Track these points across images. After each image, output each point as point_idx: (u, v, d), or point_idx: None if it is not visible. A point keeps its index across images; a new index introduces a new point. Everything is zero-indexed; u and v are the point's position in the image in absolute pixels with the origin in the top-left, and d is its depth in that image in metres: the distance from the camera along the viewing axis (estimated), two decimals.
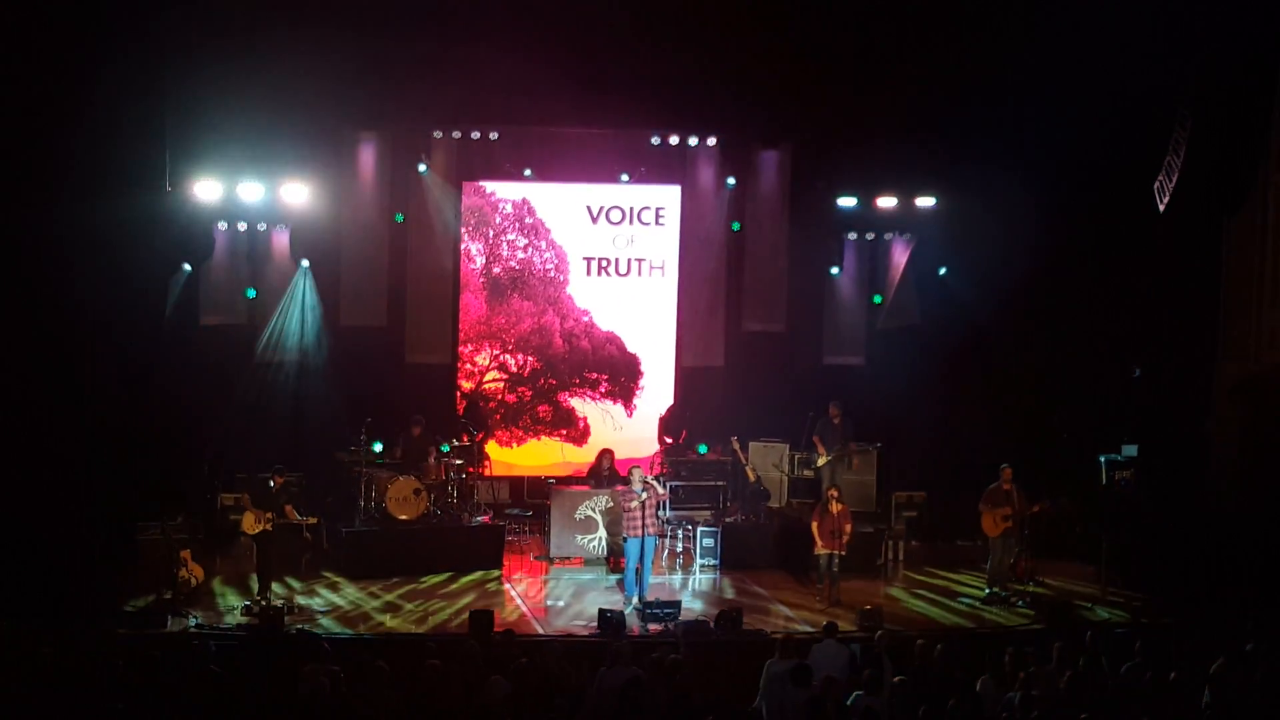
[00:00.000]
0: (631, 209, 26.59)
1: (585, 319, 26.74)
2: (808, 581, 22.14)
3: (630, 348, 26.93)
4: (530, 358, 26.64)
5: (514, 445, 26.67)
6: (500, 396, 26.59)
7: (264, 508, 20.66)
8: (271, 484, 20.89)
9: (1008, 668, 16.30)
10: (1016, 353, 25.74)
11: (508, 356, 26.61)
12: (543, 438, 26.80)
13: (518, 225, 26.40)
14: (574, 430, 26.83)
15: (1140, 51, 22.05)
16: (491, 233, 26.34)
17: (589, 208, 26.50)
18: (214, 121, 22.64)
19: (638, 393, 26.99)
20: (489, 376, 26.56)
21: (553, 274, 26.61)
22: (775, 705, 16.17)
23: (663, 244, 26.76)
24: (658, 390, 26.94)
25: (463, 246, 26.22)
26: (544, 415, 26.79)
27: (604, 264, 26.61)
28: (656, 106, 24.73)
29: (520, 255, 26.51)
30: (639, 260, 26.70)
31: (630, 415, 26.96)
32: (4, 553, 19.74)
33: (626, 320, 26.90)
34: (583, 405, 26.87)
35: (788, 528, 23.57)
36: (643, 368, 26.96)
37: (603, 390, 26.90)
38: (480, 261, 26.37)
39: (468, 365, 26.46)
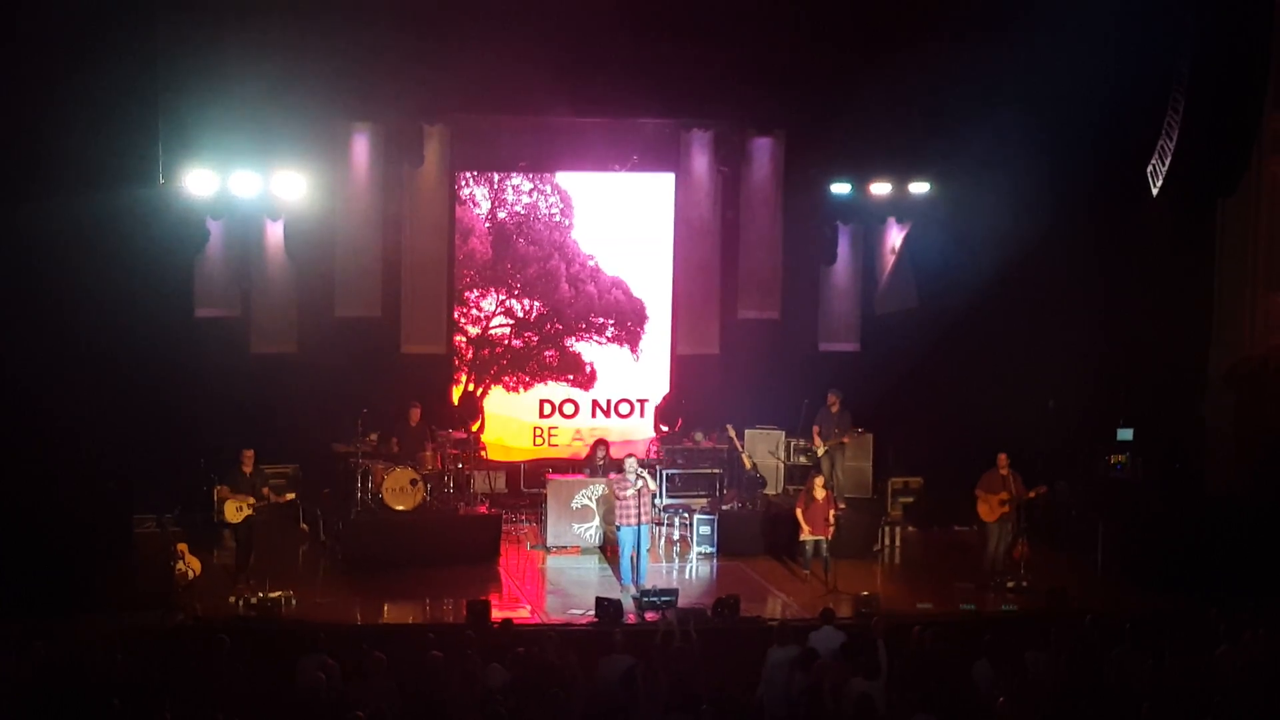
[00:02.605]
0: (616, 221, 26.86)
1: (590, 263, 26.81)
2: (798, 568, 22.15)
3: (635, 293, 27.04)
4: (536, 302, 26.76)
5: (520, 390, 26.78)
6: (506, 342, 26.68)
7: (241, 493, 20.65)
8: (244, 466, 20.87)
9: (990, 652, 16.33)
10: (1012, 337, 25.75)
11: (514, 301, 26.70)
12: (549, 383, 26.89)
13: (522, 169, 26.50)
14: (580, 376, 26.89)
15: (1133, 34, 22.07)
16: (496, 176, 26.44)
17: (571, 220, 26.80)
18: (207, 114, 22.62)
19: (643, 336, 27.11)
20: (495, 322, 26.65)
21: (558, 218, 26.66)
22: (776, 692, 16.21)
23: (649, 258, 27.05)
24: (660, 338, 27.15)
25: (467, 191, 26.39)
26: (550, 361, 26.87)
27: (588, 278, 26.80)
28: (649, 95, 24.72)
29: (525, 200, 26.56)
30: (625, 277, 26.95)
31: (637, 359, 27.08)
32: (0, 547, 19.75)
33: (631, 265, 27.02)
34: (589, 350, 26.96)
35: (784, 515, 23.53)
36: (648, 312, 27.08)
37: (609, 335, 26.93)
38: (485, 206, 26.47)
39: (473, 311, 26.61)
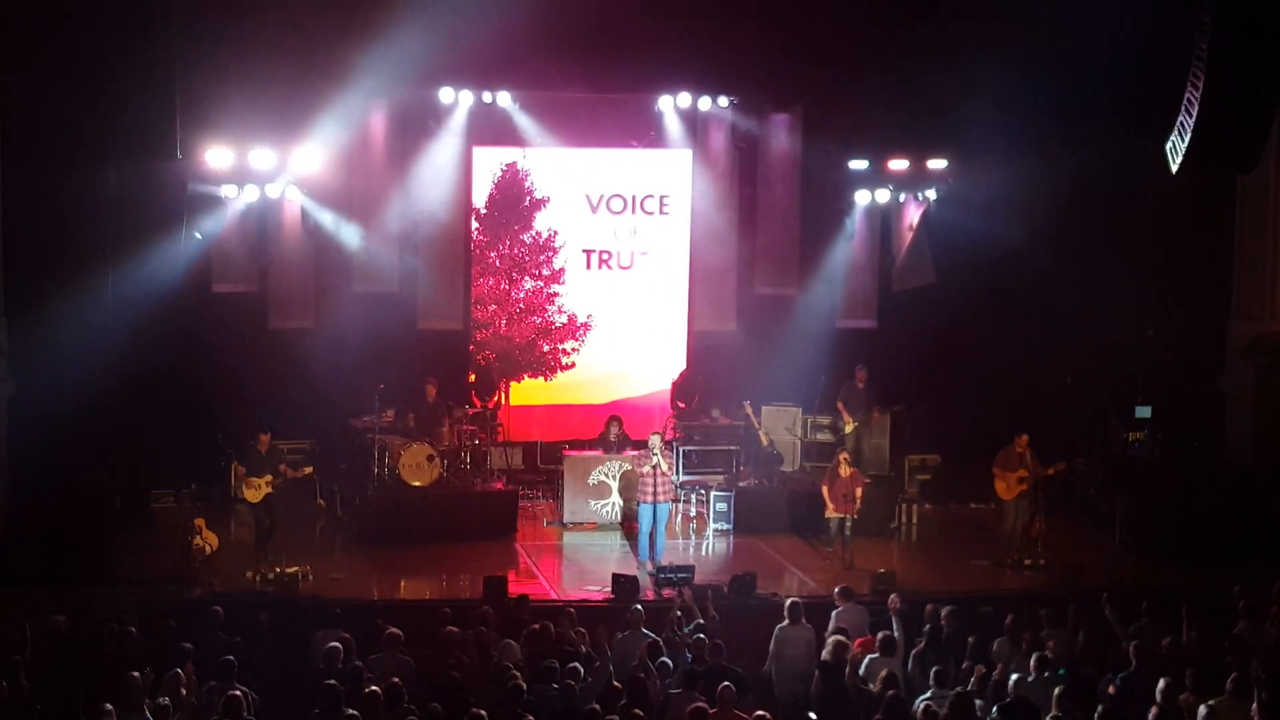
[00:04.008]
0: (634, 197, 26.54)
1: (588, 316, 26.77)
2: (820, 545, 22.14)
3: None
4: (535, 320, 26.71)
5: (545, 377, 26.70)
6: (531, 337, 26.66)
7: (259, 473, 20.68)
8: (260, 448, 20.92)
9: (1008, 629, 16.35)
10: (1029, 314, 25.71)
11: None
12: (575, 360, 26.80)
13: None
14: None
15: (1151, 9, 21.96)
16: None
17: (588, 196, 26.44)
18: (225, 89, 22.59)
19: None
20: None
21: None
22: (786, 669, 16.23)
23: (667, 234, 26.72)
24: (678, 314, 26.94)
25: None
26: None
27: (605, 257, 26.61)
28: (667, 70, 24.76)
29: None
30: (642, 253, 26.68)
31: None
32: (20, 521, 19.82)
33: (648, 241, 26.72)
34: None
35: (801, 492, 23.57)
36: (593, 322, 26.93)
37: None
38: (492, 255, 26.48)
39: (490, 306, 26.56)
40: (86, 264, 21.38)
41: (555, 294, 26.51)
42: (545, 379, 26.53)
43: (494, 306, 26.33)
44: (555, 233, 26.33)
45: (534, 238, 26.33)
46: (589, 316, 26.62)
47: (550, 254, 26.39)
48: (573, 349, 26.57)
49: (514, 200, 26.19)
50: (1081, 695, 14.41)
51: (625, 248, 26.60)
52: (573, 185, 26.38)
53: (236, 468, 21.50)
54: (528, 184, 26.20)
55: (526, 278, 26.37)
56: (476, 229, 26.15)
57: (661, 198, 26.58)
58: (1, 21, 19.11)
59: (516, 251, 26.29)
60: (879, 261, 27.27)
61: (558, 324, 26.55)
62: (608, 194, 26.45)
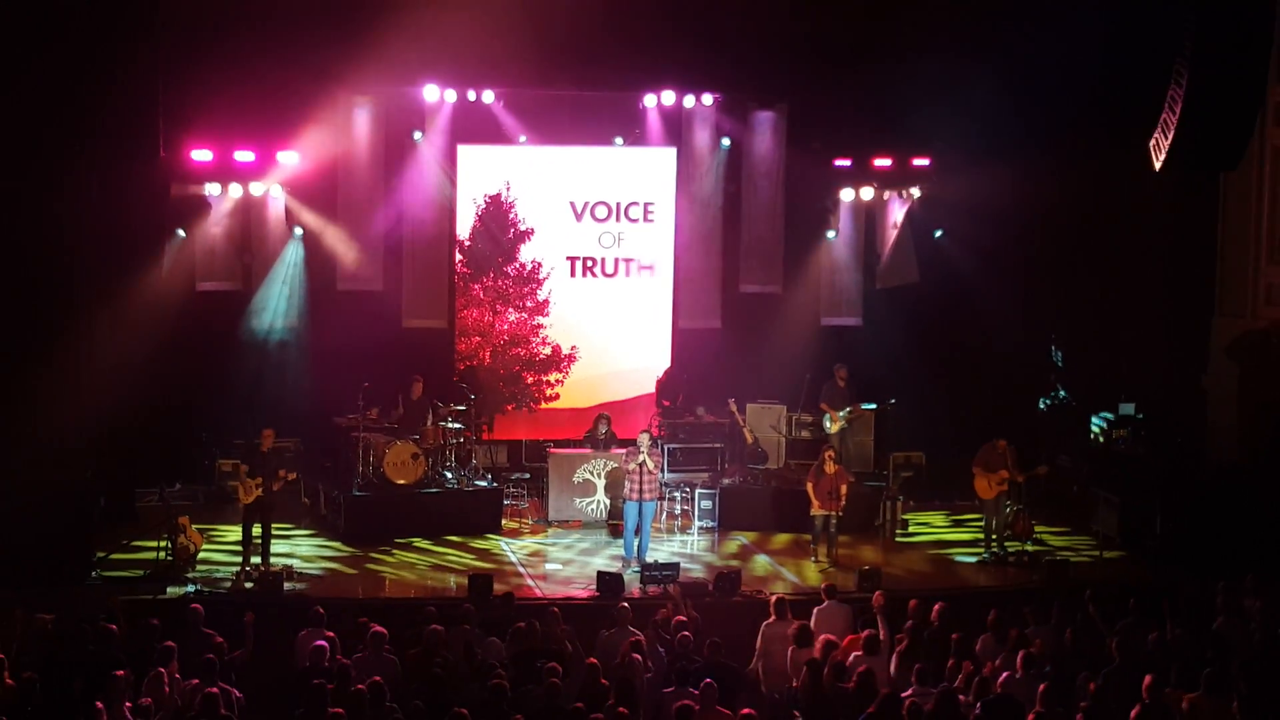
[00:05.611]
0: (619, 204, 26.36)
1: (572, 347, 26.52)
2: (805, 542, 22.15)
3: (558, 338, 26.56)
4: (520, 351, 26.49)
5: (530, 409, 26.45)
6: (517, 370, 26.41)
7: (254, 474, 20.60)
8: (263, 445, 20.85)
9: (992, 626, 16.36)
10: (1014, 311, 25.74)
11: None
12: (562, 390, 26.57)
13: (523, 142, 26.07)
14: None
15: (1135, 6, 22.01)
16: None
17: (573, 204, 26.24)
18: (207, 87, 22.56)
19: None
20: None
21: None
22: (773, 666, 16.22)
23: (651, 238, 26.51)
24: (662, 311, 26.63)
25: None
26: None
27: (589, 264, 26.38)
28: (651, 68, 24.73)
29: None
30: (627, 260, 26.46)
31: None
32: (4, 519, 19.76)
33: (633, 239, 26.42)
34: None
35: (785, 489, 23.60)
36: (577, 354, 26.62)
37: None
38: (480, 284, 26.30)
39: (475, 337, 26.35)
40: (69, 262, 21.31)
41: (540, 325, 26.32)
42: (530, 410, 26.36)
43: (478, 339, 26.19)
44: (539, 264, 26.13)
45: (518, 270, 26.18)
46: (573, 348, 26.41)
47: (535, 285, 26.22)
48: (556, 380, 26.40)
49: (498, 233, 26.02)
50: (1065, 692, 14.43)
51: (610, 255, 26.42)
52: (557, 192, 26.14)
53: (239, 466, 21.38)
54: (512, 215, 26.06)
55: (511, 310, 26.22)
56: (460, 260, 25.96)
57: (646, 204, 26.37)
58: None
59: (501, 284, 26.15)
60: (863, 259, 27.27)
61: (542, 355, 26.39)
62: (592, 201, 26.26)
